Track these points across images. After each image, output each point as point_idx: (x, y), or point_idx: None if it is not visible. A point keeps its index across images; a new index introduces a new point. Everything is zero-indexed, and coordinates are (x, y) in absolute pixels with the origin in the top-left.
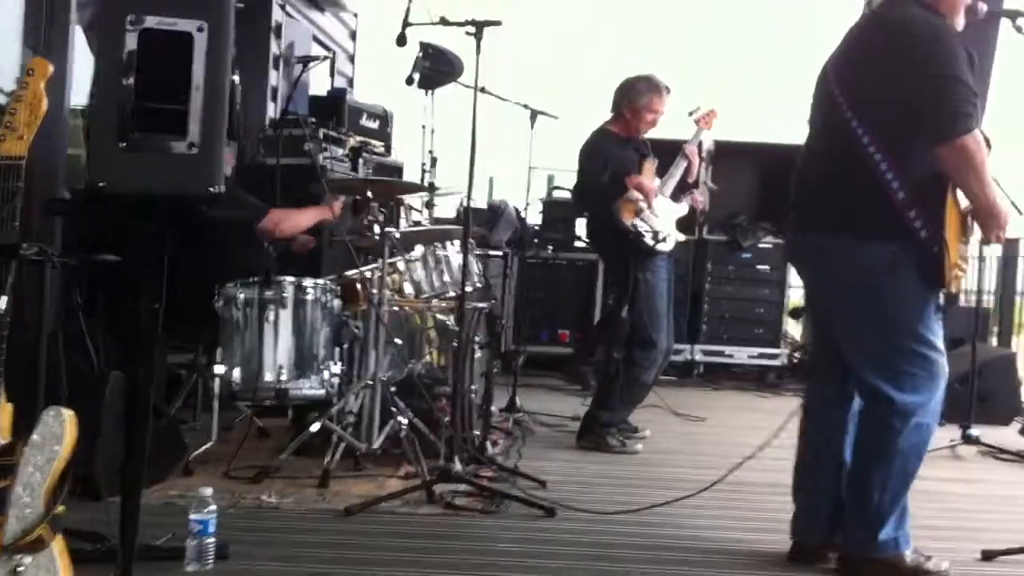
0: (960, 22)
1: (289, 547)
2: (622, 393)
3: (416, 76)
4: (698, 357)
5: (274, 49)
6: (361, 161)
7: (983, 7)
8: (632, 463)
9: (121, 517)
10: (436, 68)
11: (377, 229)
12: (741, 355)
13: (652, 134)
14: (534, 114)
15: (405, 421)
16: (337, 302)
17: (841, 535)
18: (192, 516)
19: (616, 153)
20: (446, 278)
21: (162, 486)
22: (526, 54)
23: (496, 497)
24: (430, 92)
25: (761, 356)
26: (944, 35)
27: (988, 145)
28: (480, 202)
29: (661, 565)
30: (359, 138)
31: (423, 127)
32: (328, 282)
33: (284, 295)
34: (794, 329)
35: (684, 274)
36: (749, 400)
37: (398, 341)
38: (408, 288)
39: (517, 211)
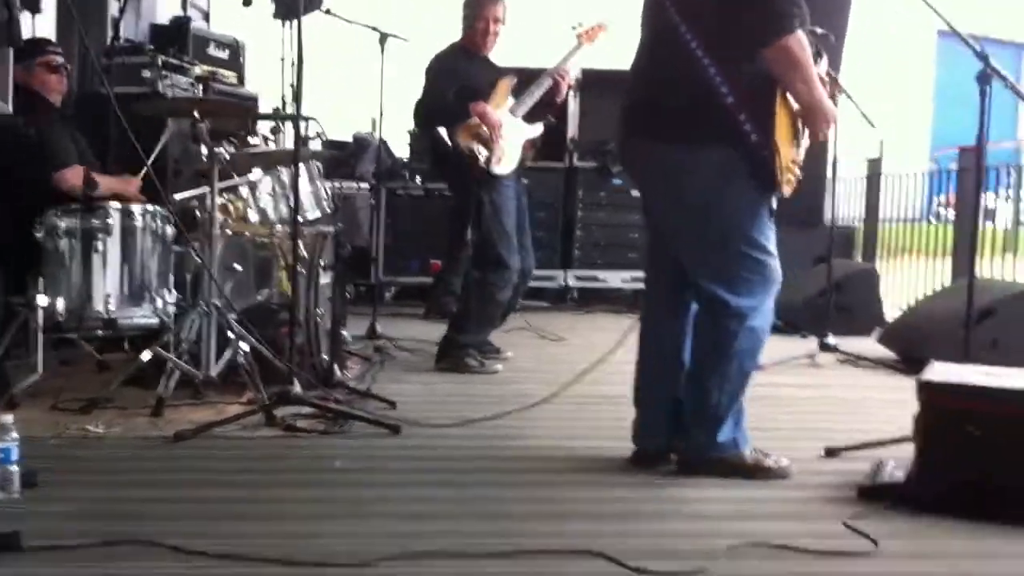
0: None
1: (110, 474)
2: (477, 314)
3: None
4: (572, 283)
5: None
6: (209, 91)
7: None
8: (489, 382)
9: None
10: None
11: (204, 151)
12: (615, 279)
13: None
14: (383, 37)
15: (245, 347)
16: (170, 229)
17: (681, 438)
18: None
19: (464, 68)
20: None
21: None
22: None
23: (340, 418)
24: (287, 23)
25: (634, 280)
26: None
27: (835, 81)
28: (346, 135)
29: (501, 474)
30: (206, 68)
31: (281, 60)
32: (158, 208)
33: (109, 222)
34: None
35: (554, 201)
36: (617, 321)
37: (237, 267)
38: (253, 215)
39: (383, 143)
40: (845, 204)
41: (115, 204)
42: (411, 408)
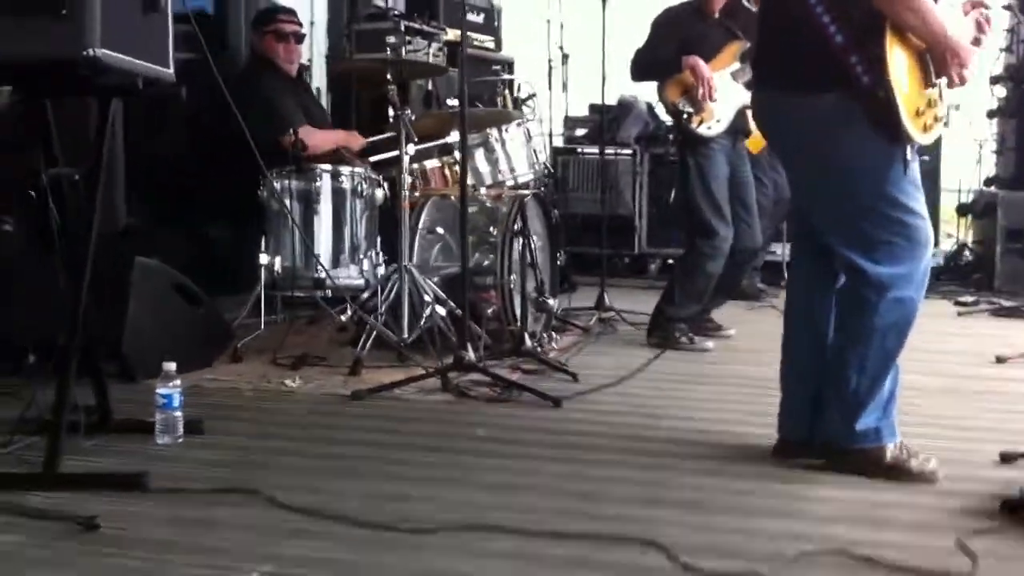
0: None
1: (270, 425)
2: (684, 286)
3: None
4: None
5: None
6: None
7: None
8: (693, 360)
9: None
10: None
11: (392, 112)
12: None
13: None
14: None
15: (441, 311)
16: (379, 191)
17: (820, 426)
18: (158, 390)
19: (691, 25)
20: (502, 166)
21: (209, 371)
22: None
23: (508, 387)
24: None
25: None
26: None
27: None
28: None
29: (617, 453)
30: (458, 32)
31: (548, 22)
32: (368, 171)
33: (318, 184)
34: (960, 227)
35: None
36: None
37: (439, 231)
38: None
39: (649, 106)
40: None
41: (326, 166)
42: (593, 382)
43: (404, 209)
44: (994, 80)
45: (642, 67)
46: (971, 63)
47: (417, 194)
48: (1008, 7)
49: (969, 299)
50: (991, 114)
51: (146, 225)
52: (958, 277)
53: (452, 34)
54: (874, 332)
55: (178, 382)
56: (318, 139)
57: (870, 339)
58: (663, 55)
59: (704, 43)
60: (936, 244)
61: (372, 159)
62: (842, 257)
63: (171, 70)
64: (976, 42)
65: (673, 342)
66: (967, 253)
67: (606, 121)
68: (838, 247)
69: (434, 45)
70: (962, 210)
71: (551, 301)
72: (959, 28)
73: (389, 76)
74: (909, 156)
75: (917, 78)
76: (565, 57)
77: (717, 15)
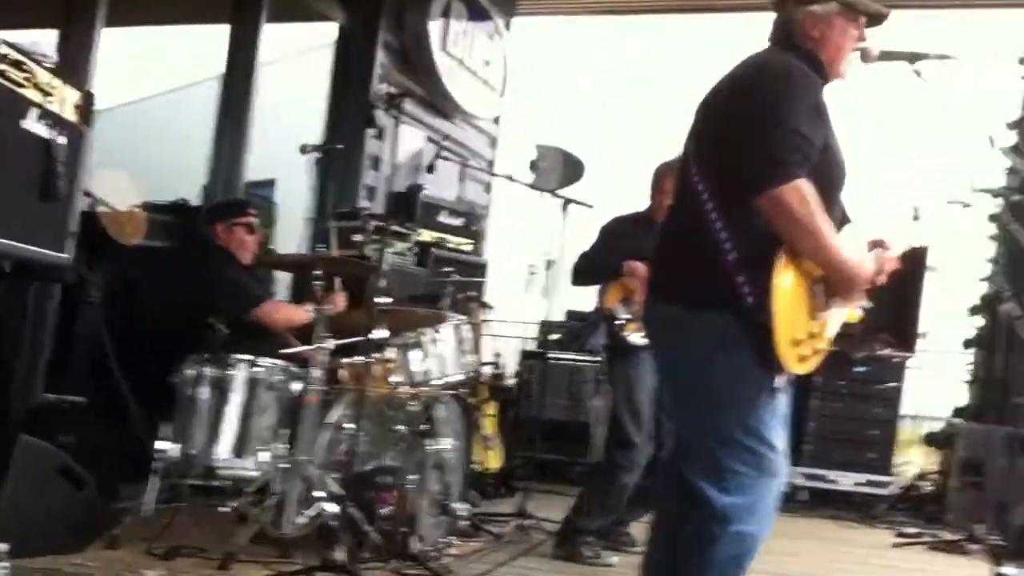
0: (844, 70)
1: None
2: (595, 497)
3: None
4: (799, 481)
5: (372, 149)
6: (431, 257)
7: (875, 52)
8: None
9: None
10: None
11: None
12: (847, 481)
13: None
14: (566, 203)
15: (333, 508)
16: (296, 384)
17: None
18: None
19: (641, 236)
20: (431, 366)
21: (78, 556)
22: None
23: None
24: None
25: (870, 484)
26: (794, 78)
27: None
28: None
29: None
30: (434, 234)
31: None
32: (284, 363)
33: (232, 372)
34: (924, 457)
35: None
36: (837, 531)
37: (349, 426)
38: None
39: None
40: None
41: (245, 356)
42: None
43: (309, 403)
44: (973, 310)
45: (583, 271)
46: (861, 290)
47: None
48: None
49: (912, 530)
50: (967, 344)
51: (61, 404)
52: (914, 507)
53: (427, 235)
54: (713, 565)
55: (6, 564)
56: (292, 312)
57: (707, 573)
58: (607, 260)
59: (650, 252)
60: (888, 472)
61: (289, 351)
62: (689, 483)
63: (66, 255)
64: (875, 276)
65: (577, 556)
66: (927, 483)
67: (580, 328)
68: (686, 471)
69: (401, 244)
70: (930, 440)
71: (454, 505)
72: (859, 255)
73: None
74: (778, 384)
75: (804, 306)
76: (550, 263)
77: None
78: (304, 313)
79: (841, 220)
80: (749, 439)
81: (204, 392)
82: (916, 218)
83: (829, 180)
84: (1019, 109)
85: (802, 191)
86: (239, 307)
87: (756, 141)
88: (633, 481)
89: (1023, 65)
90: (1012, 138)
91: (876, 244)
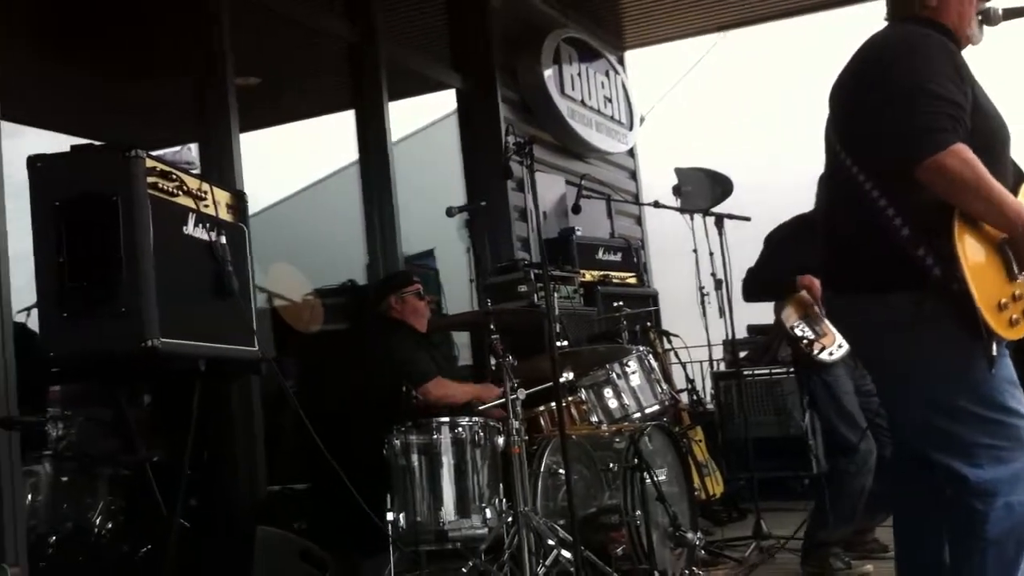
0: (974, 34)
1: None
2: (833, 506)
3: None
4: None
5: (516, 201)
6: (599, 295)
7: (998, 12)
8: None
9: None
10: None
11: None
12: None
13: None
14: (719, 220)
15: (567, 554)
16: (499, 439)
17: None
18: None
19: (809, 239)
20: (627, 401)
21: None
22: None
23: None
24: (692, 216)
25: None
26: (920, 44)
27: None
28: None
29: None
30: (596, 272)
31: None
32: (482, 419)
33: (437, 436)
34: None
35: None
36: None
37: (561, 471)
38: (595, 416)
39: None
40: None
41: (443, 419)
42: None
43: (516, 454)
44: None
45: (752, 288)
46: None
47: (526, 438)
48: None
49: None
50: None
51: (284, 492)
52: None
53: (589, 275)
54: (989, 544)
55: None
56: (453, 390)
57: (985, 552)
58: (775, 275)
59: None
60: None
61: (482, 407)
62: (942, 465)
63: (255, 348)
64: None
65: (828, 569)
66: None
67: (767, 340)
68: (934, 454)
69: (568, 288)
70: None
71: (689, 535)
72: None
73: (493, 326)
74: (995, 352)
75: (998, 269)
76: (719, 283)
77: None
78: (464, 394)
79: (1016, 178)
80: (986, 410)
81: (415, 459)
82: None
83: (989, 140)
84: None
85: (961, 155)
86: (409, 382)
87: (902, 113)
88: (866, 485)
89: None
90: None
91: None
